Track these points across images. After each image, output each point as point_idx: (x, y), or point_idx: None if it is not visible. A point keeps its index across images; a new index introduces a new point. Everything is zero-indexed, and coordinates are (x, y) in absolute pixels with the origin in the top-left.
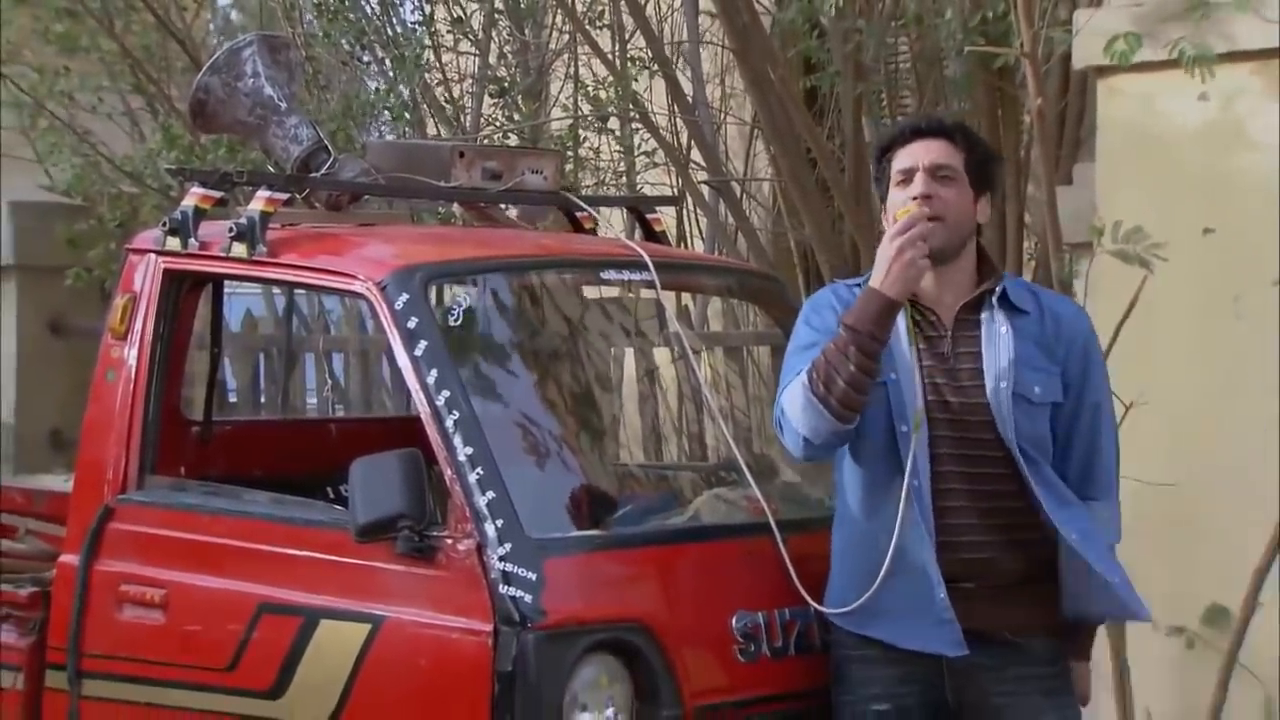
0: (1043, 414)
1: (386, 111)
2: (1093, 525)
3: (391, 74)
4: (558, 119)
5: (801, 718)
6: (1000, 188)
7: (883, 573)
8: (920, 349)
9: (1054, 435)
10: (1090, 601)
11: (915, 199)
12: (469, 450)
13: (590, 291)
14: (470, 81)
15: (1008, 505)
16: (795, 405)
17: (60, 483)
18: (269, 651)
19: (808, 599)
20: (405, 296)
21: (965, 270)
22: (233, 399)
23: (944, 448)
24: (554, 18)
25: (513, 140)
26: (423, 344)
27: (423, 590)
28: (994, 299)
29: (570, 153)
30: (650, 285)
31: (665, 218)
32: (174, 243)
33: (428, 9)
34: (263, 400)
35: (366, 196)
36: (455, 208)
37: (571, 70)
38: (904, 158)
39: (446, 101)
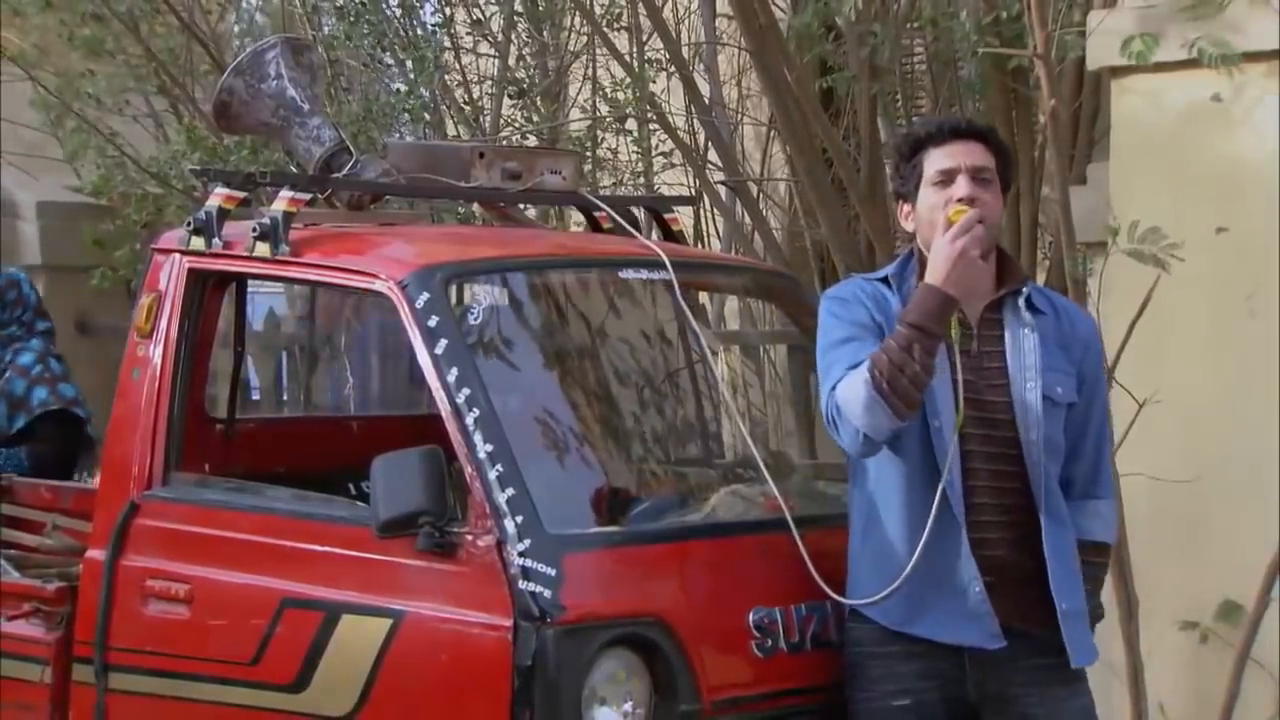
0: (1062, 415)
1: (407, 113)
2: (1072, 550)
3: (412, 76)
4: (576, 120)
5: (818, 712)
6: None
7: (910, 567)
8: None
9: (1065, 435)
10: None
11: (962, 200)
12: (489, 447)
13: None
14: (489, 83)
15: (1021, 503)
16: (857, 402)
17: (86, 479)
18: (292, 646)
19: (830, 594)
20: (426, 295)
21: (989, 271)
22: (256, 397)
23: (972, 445)
24: (572, 20)
25: (531, 141)
26: (443, 342)
27: (443, 586)
28: (1020, 301)
29: (588, 153)
30: (668, 284)
31: (683, 217)
32: (198, 242)
33: (448, 11)
34: (285, 398)
35: (387, 197)
36: (475, 208)
37: (590, 72)
38: (943, 158)
39: (466, 103)
